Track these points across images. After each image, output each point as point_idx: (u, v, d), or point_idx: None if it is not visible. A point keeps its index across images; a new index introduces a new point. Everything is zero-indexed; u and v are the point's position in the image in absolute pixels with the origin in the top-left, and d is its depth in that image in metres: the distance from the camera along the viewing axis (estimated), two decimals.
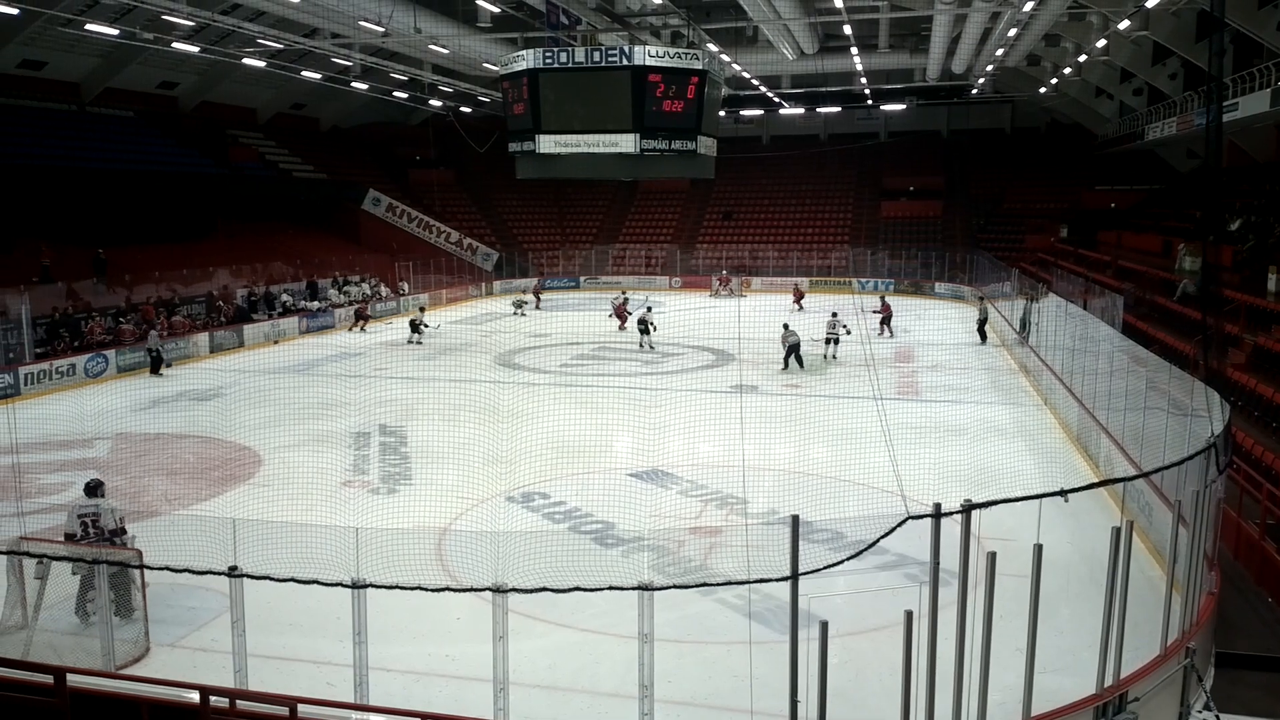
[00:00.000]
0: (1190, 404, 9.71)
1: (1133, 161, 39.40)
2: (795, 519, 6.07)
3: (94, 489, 9.57)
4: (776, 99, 43.28)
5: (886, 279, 41.28)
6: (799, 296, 34.86)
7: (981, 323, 27.40)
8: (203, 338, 26.28)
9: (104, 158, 30.92)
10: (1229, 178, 28.99)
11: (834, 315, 24.30)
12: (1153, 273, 25.56)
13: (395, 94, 38.42)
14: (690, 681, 7.95)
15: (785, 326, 22.78)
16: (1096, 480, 12.27)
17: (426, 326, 27.74)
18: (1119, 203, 39.10)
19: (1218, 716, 7.42)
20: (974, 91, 41.31)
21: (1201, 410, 8.78)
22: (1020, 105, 46.18)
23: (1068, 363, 17.73)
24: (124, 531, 9.35)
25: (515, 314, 34.15)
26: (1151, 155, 38.30)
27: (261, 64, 30.75)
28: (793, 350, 22.00)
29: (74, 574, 8.89)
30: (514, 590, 6.55)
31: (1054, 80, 36.69)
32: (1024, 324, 23.20)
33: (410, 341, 26.85)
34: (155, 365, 23.15)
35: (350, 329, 30.50)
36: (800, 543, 6.02)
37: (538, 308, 36.40)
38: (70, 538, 9.08)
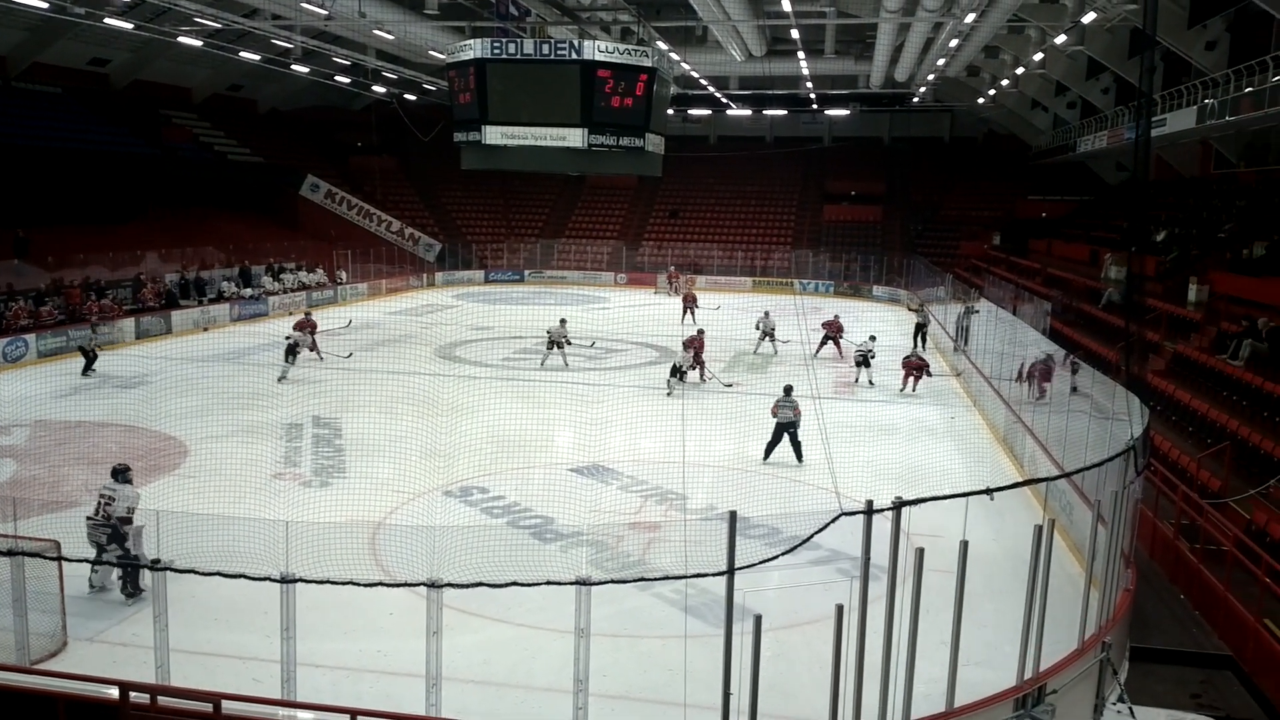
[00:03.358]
0: (1112, 408, 10.07)
1: (1065, 173, 40.69)
2: (733, 515, 6.14)
3: (118, 472, 9.63)
4: (724, 99, 43.59)
5: (827, 281, 41.93)
6: (689, 300, 30.18)
7: (920, 327, 26.41)
8: (129, 323, 25.40)
9: (29, 134, 29.56)
10: (1155, 191, 30.17)
11: (766, 314, 24.45)
12: (1080, 281, 26.44)
13: (337, 78, 37.58)
14: (626, 675, 7.98)
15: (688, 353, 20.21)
16: (1021, 480, 12.69)
17: (313, 350, 21.68)
18: (1050, 212, 40.36)
19: (1131, 709, 7.72)
20: (915, 100, 42.16)
21: (1122, 414, 9.11)
22: (959, 115, 47.36)
23: (997, 366, 18.25)
24: (129, 522, 9.21)
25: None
26: (1082, 167, 39.62)
27: (198, 43, 29.77)
28: (676, 370, 19.69)
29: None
30: (449, 585, 6.51)
31: (992, 91, 37.68)
32: (961, 331, 23.31)
33: (282, 377, 20.34)
34: (88, 364, 20.74)
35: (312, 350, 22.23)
36: (737, 538, 6.09)
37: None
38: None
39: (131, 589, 9.24)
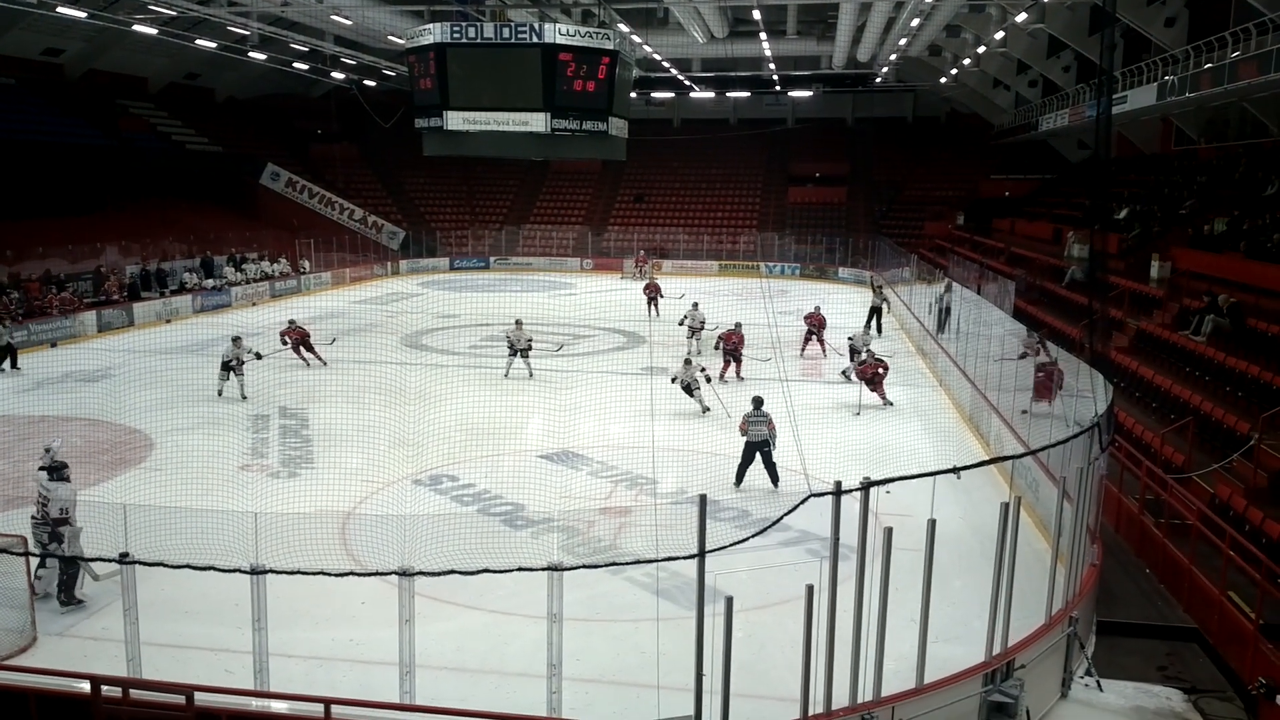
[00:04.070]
0: (1076, 385, 10.22)
1: (1027, 151, 41.09)
2: (703, 498, 6.16)
3: (53, 470, 9.11)
4: (687, 82, 43.51)
5: (793, 263, 42.10)
6: (652, 290, 28.09)
7: (875, 311, 25.64)
8: (89, 316, 24.88)
9: None
10: (1117, 168, 30.58)
11: (694, 306, 22.36)
12: (1043, 259, 26.74)
13: (295, 65, 36.94)
14: (598, 659, 8.00)
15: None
16: (987, 458, 12.86)
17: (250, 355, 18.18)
18: (1013, 191, 40.77)
19: (1099, 682, 7.89)
20: (878, 80, 42.35)
21: (1086, 391, 9.26)
22: (922, 95, 47.61)
23: (962, 346, 18.45)
24: (66, 522, 8.88)
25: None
26: (1045, 145, 40.04)
27: (153, 31, 29.06)
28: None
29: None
30: (420, 573, 6.47)
31: (954, 70, 37.91)
32: (942, 314, 21.65)
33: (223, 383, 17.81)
34: (9, 358, 19.83)
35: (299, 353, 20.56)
36: (708, 521, 6.11)
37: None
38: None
39: (65, 597, 8.81)
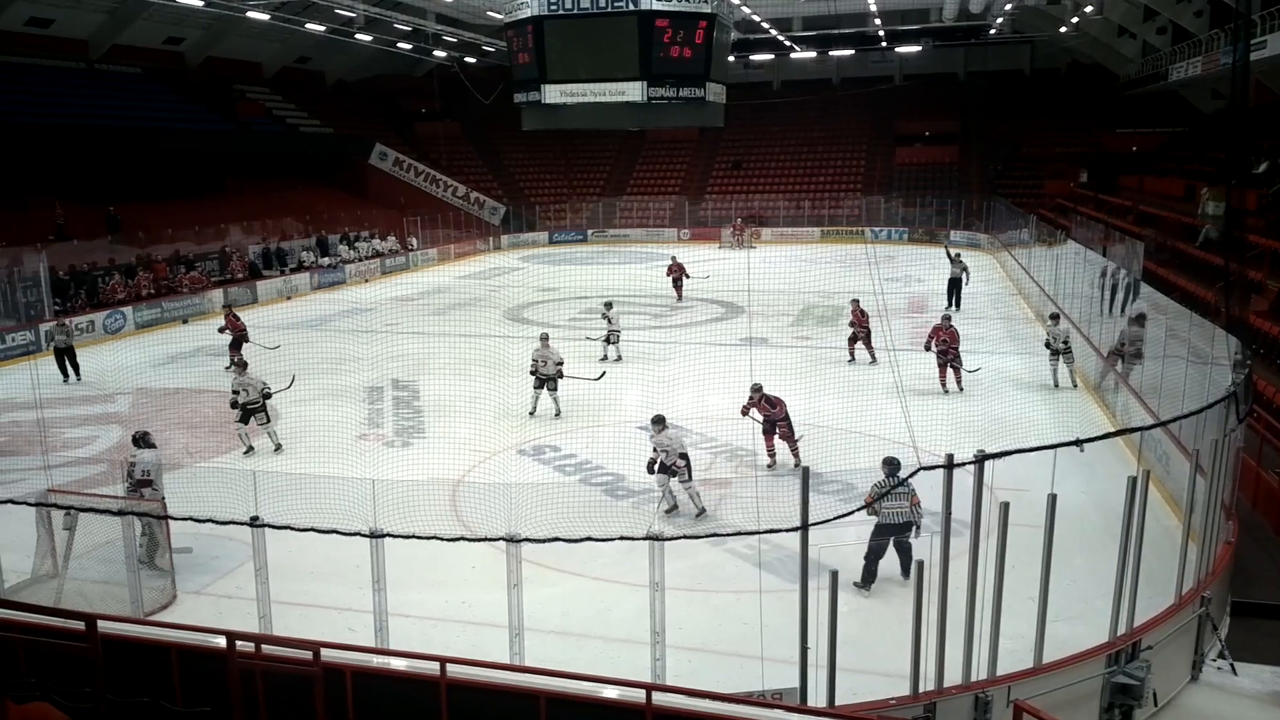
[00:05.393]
0: (1211, 352, 9.59)
1: (1156, 103, 38.47)
2: (805, 470, 6.08)
3: (136, 440, 10.01)
4: (787, 42, 42.37)
5: (900, 228, 40.79)
6: (676, 271, 25.58)
7: (954, 283, 23.66)
8: (217, 294, 26.38)
9: (113, 115, 30.72)
10: (1255, 119, 28.27)
11: (609, 305, 18.96)
12: (1175, 218, 25.12)
13: (399, 45, 37.84)
14: (701, 628, 8.04)
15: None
16: (1113, 430, 12.21)
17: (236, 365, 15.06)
18: (1141, 146, 38.29)
19: (1233, 665, 7.45)
20: (992, 32, 40.29)
21: (1222, 358, 8.66)
22: (1040, 46, 45.01)
23: (1085, 310, 17.52)
24: (149, 484, 9.58)
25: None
26: (1175, 96, 37.40)
27: (265, 17, 30.31)
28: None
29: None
30: (527, 540, 6.62)
31: (1075, 19, 35.72)
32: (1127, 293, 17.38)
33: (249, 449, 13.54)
34: (66, 363, 17.58)
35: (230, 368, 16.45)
36: (810, 494, 6.01)
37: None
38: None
39: (149, 562, 8.98)
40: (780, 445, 12.10)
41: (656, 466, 10.55)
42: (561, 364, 14.79)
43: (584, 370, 15.07)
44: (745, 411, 12.10)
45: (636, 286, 25.38)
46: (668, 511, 10.59)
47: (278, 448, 13.30)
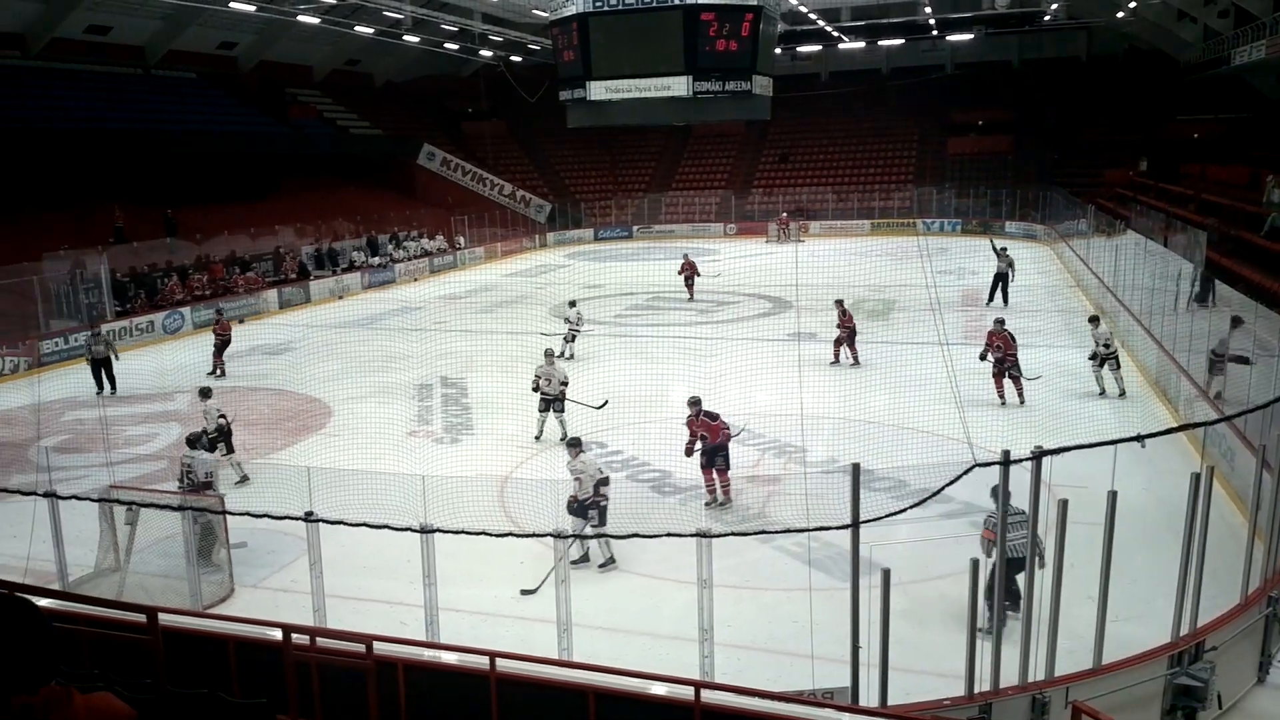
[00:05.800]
0: (1278, 345, 9.24)
1: (1218, 88, 37.16)
2: (856, 467, 5.98)
3: (191, 441, 10.27)
4: (835, 33, 41.85)
5: (953, 219, 40.05)
6: (689, 269, 25.46)
7: (1000, 278, 22.65)
8: (272, 294, 26.97)
9: (170, 120, 31.60)
10: None
11: (572, 304, 18.77)
12: (1239, 206, 24.26)
13: (446, 45, 38.25)
14: (750, 626, 7.99)
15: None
16: (1175, 425, 11.84)
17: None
18: (1202, 133, 37.09)
19: None
20: (1047, 18, 39.27)
21: None
22: (1097, 32, 43.79)
23: (1146, 302, 17.02)
24: (209, 485, 9.81)
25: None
26: (1238, 81, 36.06)
27: (316, 20, 30.87)
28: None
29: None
30: (575, 536, 6.64)
31: (1132, 4, 34.66)
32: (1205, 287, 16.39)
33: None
34: (102, 375, 16.85)
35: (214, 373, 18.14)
36: (861, 491, 5.93)
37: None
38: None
39: (204, 560, 9.04)
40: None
41: (574, 505, 9.06)
42: (566, 384, 13.57)
43: (585, 395, 13.82)
44: (689, 451, 10.58)
45: (682, 282, 25.38)
46: (574, 562, 8.55)
47: (242, 479, 11.98)
